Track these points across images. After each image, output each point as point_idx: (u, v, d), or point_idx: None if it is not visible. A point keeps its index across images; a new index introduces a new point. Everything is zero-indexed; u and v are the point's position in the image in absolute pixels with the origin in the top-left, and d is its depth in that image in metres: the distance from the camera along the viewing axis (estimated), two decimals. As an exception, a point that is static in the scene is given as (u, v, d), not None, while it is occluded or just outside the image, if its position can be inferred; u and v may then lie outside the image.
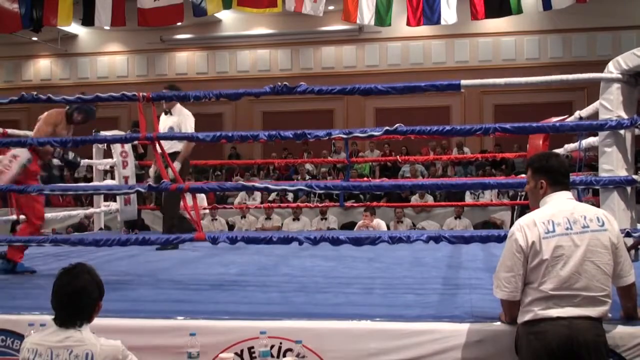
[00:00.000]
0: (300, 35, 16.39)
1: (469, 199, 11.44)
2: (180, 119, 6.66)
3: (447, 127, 4.26)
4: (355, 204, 10.79)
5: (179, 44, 17.35)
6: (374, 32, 15.19)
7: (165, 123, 6.62)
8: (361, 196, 11.76)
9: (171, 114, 6.69)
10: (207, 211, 10.48)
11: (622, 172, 3.77)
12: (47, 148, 4.92)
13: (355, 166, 13.19)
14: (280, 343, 3.09)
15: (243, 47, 17.17)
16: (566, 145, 5.91)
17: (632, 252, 3.52)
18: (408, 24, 9.61)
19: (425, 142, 14.39)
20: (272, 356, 3.03)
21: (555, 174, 2.90)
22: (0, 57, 17.85)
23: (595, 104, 4.22)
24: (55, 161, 5.50)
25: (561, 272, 2.70)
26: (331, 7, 11.65)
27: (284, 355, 3.06)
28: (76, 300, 2.57)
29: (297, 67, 16.91)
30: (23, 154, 4.86)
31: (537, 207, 2.91)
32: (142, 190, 4.40)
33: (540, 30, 15.58)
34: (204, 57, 17.41)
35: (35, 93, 4.54)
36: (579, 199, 4.27)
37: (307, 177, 13.48)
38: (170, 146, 6.32)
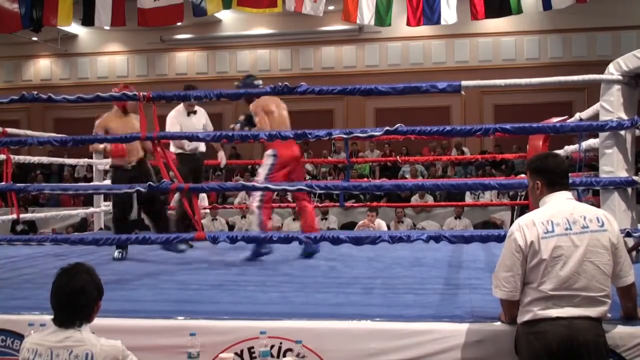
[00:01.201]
0: (300, 35, 16.37)
1: (469, 199, 11.44)
2: (207, 119, 6.78)
3: (447, 128, 4.24)
4: (355, 204, 10.78)
5: (179, 44, 17.32)
6: (374, 32, 15.17)
7: (191, 123, 6.60)
8: (361, 196, 11.76)
9: (195, 114, 6.71)
10: (208, 211, 10.48)
11: (622, 173, 3.78)
12: None
13: (355, 166, 13.19)
14: (280, 343, 3.09)
15: (243, 47, 17.15)
16: (566, 147, 5.91)
17: (633, 253, 3.52)
18: (408, 24, 9.60)
19: (426, 143, 14.38)
20: (272, 356, 3.03)
21: (551, 174, 2.89)
22: (0, 57, 17.84)
23: (596, 106, 4.22)
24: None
25: (560, 272, 2.70)
26: (331, 7, 11.63)
27: (284, 355, 3.06)
28: (75, 300, 2.56)
29: (297, 67, 16.89)
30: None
31: (538, 207, 2.91)
32: (142, 190, 4.39)
33: (540, 30, 15.56)
34: (204, 57, 17.39)
35: (35, 92, 4.54)
36: (579, 199, 4.26)
37: (307, 177, 13.48)
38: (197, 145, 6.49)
